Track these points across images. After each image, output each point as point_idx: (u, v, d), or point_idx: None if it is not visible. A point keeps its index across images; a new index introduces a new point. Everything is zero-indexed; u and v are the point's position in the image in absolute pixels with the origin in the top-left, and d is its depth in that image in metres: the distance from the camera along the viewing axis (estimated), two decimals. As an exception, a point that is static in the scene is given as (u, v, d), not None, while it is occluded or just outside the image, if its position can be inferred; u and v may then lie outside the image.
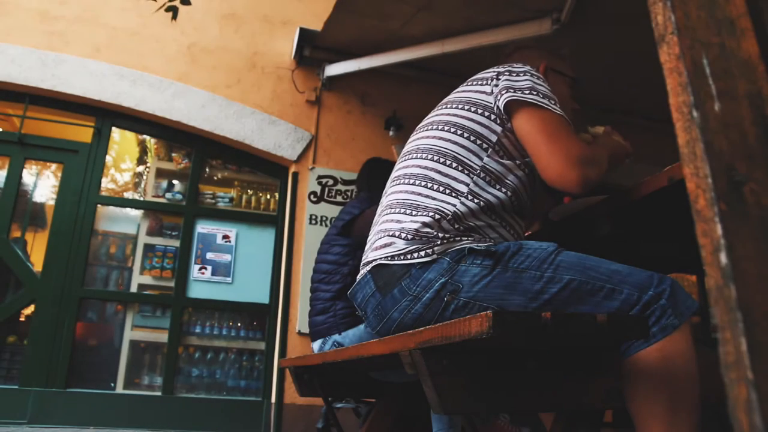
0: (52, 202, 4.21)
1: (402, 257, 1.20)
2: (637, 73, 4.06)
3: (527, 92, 1.25)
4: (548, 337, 0.87)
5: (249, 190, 4.57)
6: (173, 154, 4.56)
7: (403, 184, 1.31)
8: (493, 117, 1.27)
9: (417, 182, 1.28)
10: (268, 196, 4.58)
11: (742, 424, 0.41)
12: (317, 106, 4.57)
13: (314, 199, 4.38)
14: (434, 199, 1.23)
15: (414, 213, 1.23)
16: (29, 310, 3.97)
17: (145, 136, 4.56)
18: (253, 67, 4.53)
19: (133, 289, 4.15)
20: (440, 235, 1.18)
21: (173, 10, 3.21)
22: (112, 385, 3.92)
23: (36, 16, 4.12)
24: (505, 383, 1.04)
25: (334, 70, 4.47)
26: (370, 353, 1.22)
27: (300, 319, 4.06)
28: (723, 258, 0.45)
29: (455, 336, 0.88)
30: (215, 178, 4.63)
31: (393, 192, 1.33)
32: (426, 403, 1.00)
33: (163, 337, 4.06)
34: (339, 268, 2.21)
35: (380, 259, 1.24)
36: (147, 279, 4.18)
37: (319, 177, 4.42)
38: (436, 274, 1.15)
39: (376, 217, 1.38)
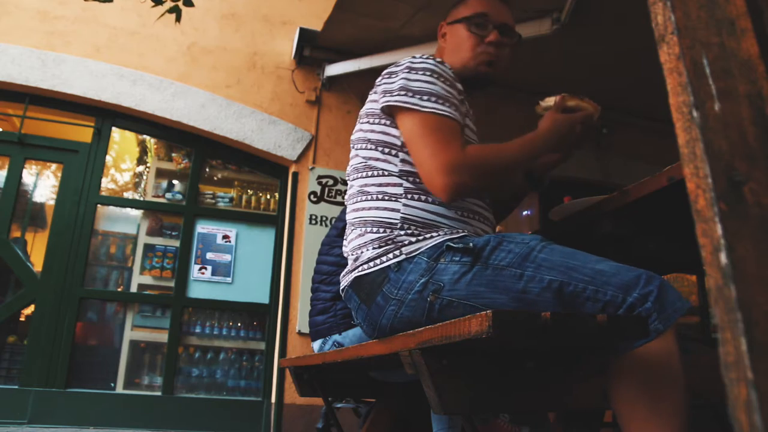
0: (52, 202, 4.21)
1: (372, 263, 1.21)
2: (637, 73, 4.06)
3: (396, 94, 1.24)
4: (548, 337, 0.87)
5: (249, 190, 4.57)
6: (173, 154, 4.56)
7: (350, 204, 1.34)
8: (388, 122, 1.29)
9: (359, 199, 1.30)
10: (268, 196, 4.58)
11: (742, 424, 0.41)
12: (317, 106, 4.57)
13: (314, 199, 4.38)
14: (377, 209, 1.25)
15: (368, 228, 1.25)
16: (29, 310, 3.97)
17: (145, 136, 4.56)
18: (253, 67, 4.53)
19: (133, 289, 4.15)
20: (400, 237, 1.19)
21: (176, 12, 3.20)
22: (112, 385, 3.92)
23: (36, 16, 4.12)
24: (504, 383, 1.04)
25: (334, 70, 4.47)
26: (370, 353, 1.22)
27: (300, 319, 4.06)
28: (723, 258, 0.45)
29: (455, 336, 0.88)
30: (215, 178, 4.63)
31: (347, 215, 1.36)
32: (426, 403, 1.00)
33: (163, 337, 4.06)
34: (339, 269, 2.20)
35: (355, 273, 1.25)
36: (147, 279, 4.18)
37: (319, 177, 4.42)
38: (415, 276, 1.15)
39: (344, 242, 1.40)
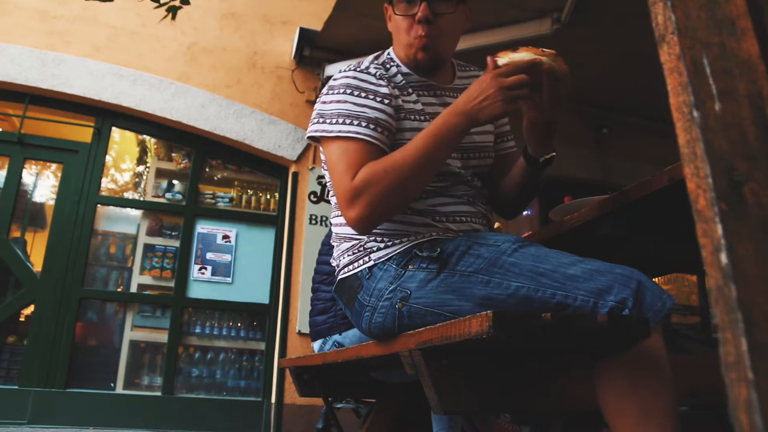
0: (52, 202, 4.21)
1: (347, 269, 1.27)
2: (637, 73, 4.06)
3: (312, 123, 1.24)
4: (548, 337, 0.87)
5: (249, 190, 4.57)
6: (173, 154, 4.56)
7: (331, 219, 1.41)
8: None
9: (335, 214, 1.36)
10: (268, 196, 4.58)
11: (743, 424, 0.41)
12: (317, 106, 4.57)
13: (314, 199, 4.38)
14: (344, 224, 1.29)
15: (343, 240, 1.31)
16: (29, 310, 3.97)
17: (145, 136, 4.56)
18: (253, 67, 4.53)
19: (133, 289, 4.14)
20: (369, 244, 1.22)
21: (173, 10, 3.20)
22: (112, 385, 3.92)
23: (36, 16, 4.11)
24: (504, 383, 1.04)
25: (334, 70, 4.46)
26: (370, 353, 1.22)
27: (300, 319, 4.06)
28: (723, 258, 0.45)
29: (455, 336, 0.88)
30: (215, 178, 4.63)
31: None
32: (426, 404, 1.00)
33: (163, 337, 4.06)
34: (339, 268, 2.21)
35: (338, 277, 1.32)
36: (147, 279, 4.18)
37: (320, 177, 4.42)
38: (385, 283, 1.16)
39: None
